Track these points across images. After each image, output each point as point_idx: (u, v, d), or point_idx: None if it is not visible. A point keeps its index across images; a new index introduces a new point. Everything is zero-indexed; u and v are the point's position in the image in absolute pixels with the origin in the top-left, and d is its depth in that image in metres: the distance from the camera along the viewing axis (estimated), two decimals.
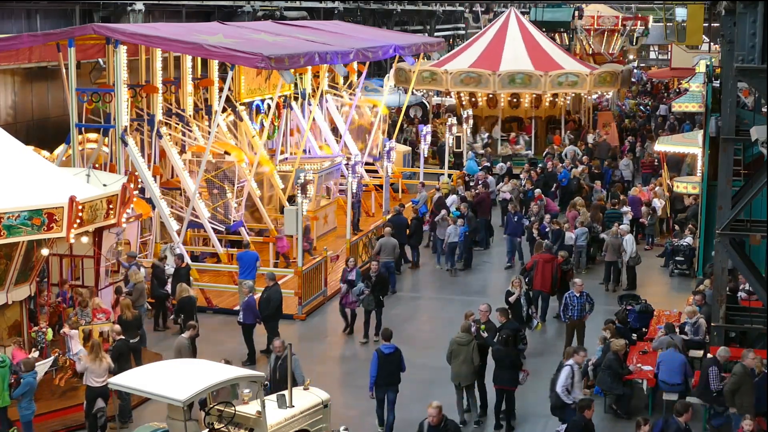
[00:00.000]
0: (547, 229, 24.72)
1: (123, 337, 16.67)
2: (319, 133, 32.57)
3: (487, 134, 39.29)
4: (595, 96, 43.94)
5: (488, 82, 38.21)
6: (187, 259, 22.31)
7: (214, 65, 26.56)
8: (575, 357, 15.59)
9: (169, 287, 21.05)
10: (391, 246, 23.78)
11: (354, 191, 26.74)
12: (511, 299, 19.26)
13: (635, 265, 24.09)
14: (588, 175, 33.00)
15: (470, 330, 16.39)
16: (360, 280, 20.61)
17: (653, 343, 17.52)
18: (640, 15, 68.13)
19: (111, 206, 17.25)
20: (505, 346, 16.12)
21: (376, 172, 33.02)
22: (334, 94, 34.14)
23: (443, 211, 26.55)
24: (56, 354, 17.35)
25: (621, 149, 39.46)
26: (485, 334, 16.81)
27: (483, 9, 66.28)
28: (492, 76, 38.01)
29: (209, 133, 24.42)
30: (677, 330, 17.62)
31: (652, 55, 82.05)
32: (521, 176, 32.40)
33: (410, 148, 37.82)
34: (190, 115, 25.52)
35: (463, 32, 69.48)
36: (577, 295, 19.22)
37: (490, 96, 39.44)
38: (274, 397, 14.31)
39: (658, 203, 28.58)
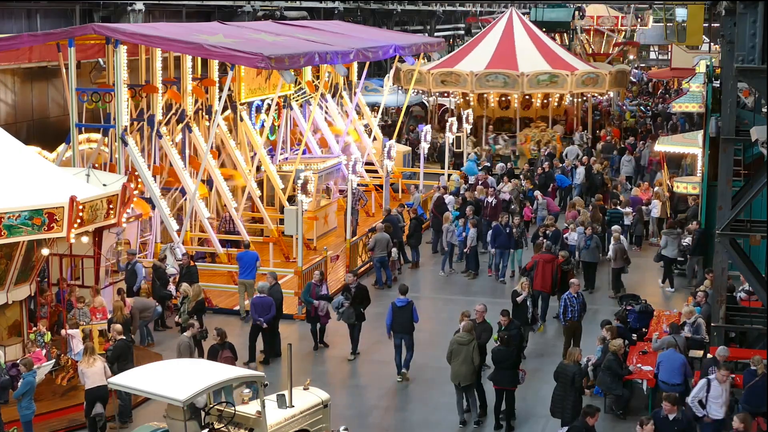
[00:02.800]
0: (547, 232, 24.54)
1: (123, 337, 16.68)
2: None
3: (584, 132, 39.75)
4: (594, 97, 44.02)
5: (465, 82, 38.16)
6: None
7: (214, 65, 26.56)
8: (717, 374, 14.75)
9: (172, 287, 21.08)
10: (385, 241, 23.89)
11: (353, 192, 26.68)
12: (519, 299, 19.26)
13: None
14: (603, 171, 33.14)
15: (471, 330, 16.39)
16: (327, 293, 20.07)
17: (654, 344, 17.48)
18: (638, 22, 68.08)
19: (111, 206, 17.27)
20: (507, 346, 16.11)
21: (376, 172, 33.03)
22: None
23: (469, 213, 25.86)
24: (56, 354, 17.35)
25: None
26: (497, 342, 16.69)
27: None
28: (469, 76, 37.96)
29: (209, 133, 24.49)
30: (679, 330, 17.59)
31: (652, 55, 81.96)
32: (521, 176, 32.36)
33: (410, 148, 37.84)
34: (189, 116, 25.50)
35: (463, 32, 69.47)
36: (575, 295, 19.18)
37: (478, 96, 39.52)
38: (274, 397, 14.31)
39: (656, 205, 28.41)
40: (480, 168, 33.56)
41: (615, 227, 24.35)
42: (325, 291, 20.01)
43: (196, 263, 22.24)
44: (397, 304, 18.29)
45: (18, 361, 15.93)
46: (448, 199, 28.19)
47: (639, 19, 69.55)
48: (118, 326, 16.88)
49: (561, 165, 33.62)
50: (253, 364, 18.65)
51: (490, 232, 25.12)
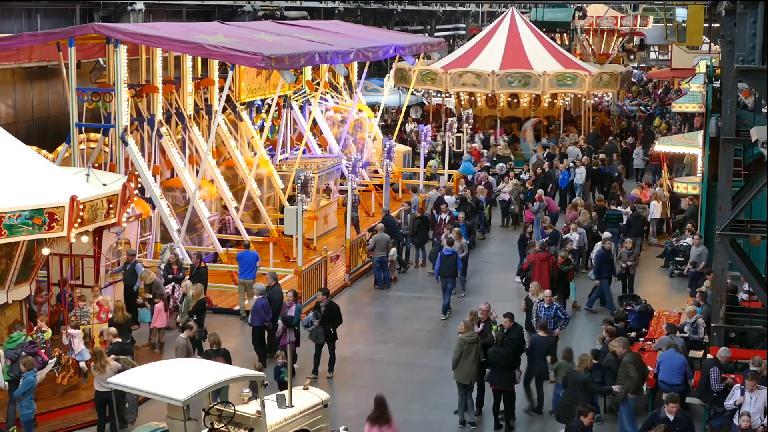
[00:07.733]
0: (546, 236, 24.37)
1: (119, 340, 16.65)
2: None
3: None
4: (595, 97, 44.10)
5: (487, 82, 38.40)
6: (188, 259, 22.34)
7: (214, 65, 26.56)
8: (747, 383, 14.41)
9: (172, 286, 21.05)
10: (385, 242, 23.91)
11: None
12: (522, 307, 19.28)
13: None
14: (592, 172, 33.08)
15: (472, 327, 16.41)
16: (299, 316, 18.37)
17: (653, 345, 17.47)
18: (637, 29, 67.72)
19: (111, 206, 17.26)
20: (503, 347, 16.09)
21: (376, 172, 33.02)
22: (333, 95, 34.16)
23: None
24: (57, 354, 17.35)
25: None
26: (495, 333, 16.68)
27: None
28: (491, 77, 38.14)
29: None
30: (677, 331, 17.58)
31: (653, 56, 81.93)
32: (522, 176, 32.31)
33: (410, 148, 37.85)
34: (189, 116, 25.50)
35: (463, 32, 69.47)
36: (546, 306, 18.43)
37: (489, 96, 39.61)
38: (274, 397, 14.32)
39: (656, 206, 28.34)
40: (480, 168, 33.56)
41: (605, 234, 23.68)
42: (292, 312, 18.18)
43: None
44: (445, 253, 21.88)
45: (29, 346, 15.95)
46: (448, 199, 28.16)
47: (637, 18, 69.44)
48: (113, 329, 16.85)
49: (561, 165, 33.57)
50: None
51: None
